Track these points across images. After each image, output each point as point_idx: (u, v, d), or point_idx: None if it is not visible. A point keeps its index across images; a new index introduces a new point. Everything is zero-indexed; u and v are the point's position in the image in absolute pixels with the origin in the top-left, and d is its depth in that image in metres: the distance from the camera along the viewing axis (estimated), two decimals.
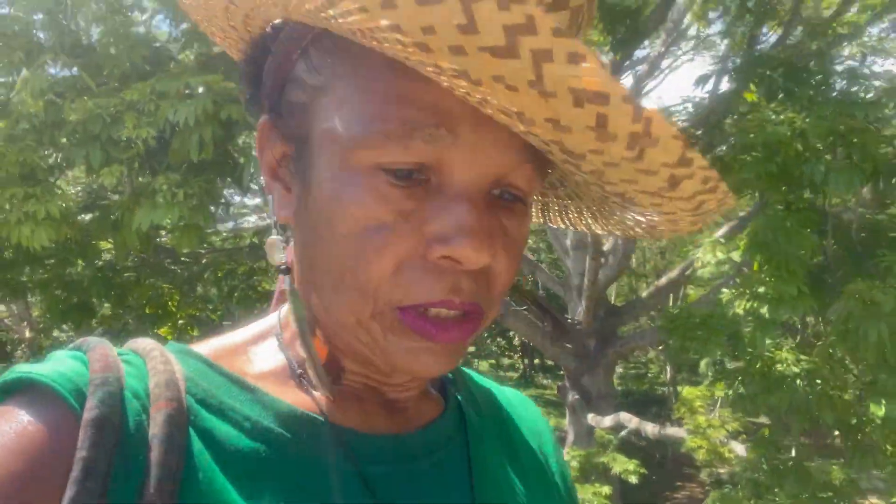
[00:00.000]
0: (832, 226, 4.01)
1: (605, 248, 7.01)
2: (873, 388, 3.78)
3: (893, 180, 3.66)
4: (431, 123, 0.40)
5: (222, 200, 5.24)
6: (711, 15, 7.15)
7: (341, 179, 0.43)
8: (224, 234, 7.59)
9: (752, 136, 3.86)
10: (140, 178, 4.45)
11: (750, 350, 4.23)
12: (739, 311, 4.13)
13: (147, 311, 6.27)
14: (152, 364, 0.45)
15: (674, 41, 9.18)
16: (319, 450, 0.46)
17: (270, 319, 0.54)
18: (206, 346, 0.51)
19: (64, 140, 4.15)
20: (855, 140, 3.49)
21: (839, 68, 4.21)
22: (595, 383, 6.86)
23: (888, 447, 4.25)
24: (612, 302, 8.52)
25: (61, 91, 4.30)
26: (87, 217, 5.35)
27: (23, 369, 0.41)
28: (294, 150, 0.48)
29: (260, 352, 0.52)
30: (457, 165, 0.42)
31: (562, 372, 7.30)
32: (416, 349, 0.44)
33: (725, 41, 7.03)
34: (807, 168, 3.62)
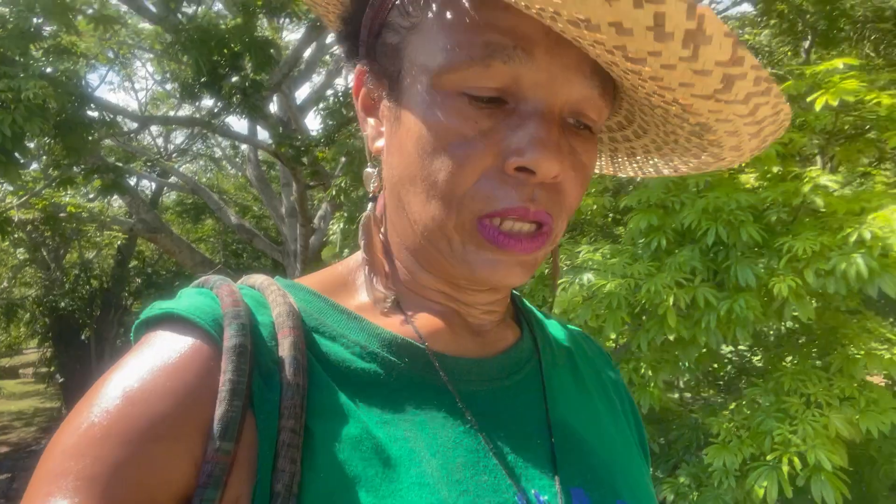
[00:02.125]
0: None
1: (317, 215, 7.43)
2: None
3: None
4: (509, 45, 0.44)
5: None
6: None
7: (430, 103, 0.47)
8: None
9: None
10: None
11: None
12: None
13: None
14: (272, 297, 0.50)
15: None
16: (419, 370, 0.51)
17: (361, 253, 0.57)
18: (310, 280, 0.56)
19: None
20: None
21: None
22: None
23: None
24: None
25: None
26: None
27: (165, 305, 0.46)
28: (387, 86, 0.52)
29: (358, 285, 0.56)
30: (532, 86, 0.46)
31: None
32: (492, 260, 0.49)
33: None
34: None
